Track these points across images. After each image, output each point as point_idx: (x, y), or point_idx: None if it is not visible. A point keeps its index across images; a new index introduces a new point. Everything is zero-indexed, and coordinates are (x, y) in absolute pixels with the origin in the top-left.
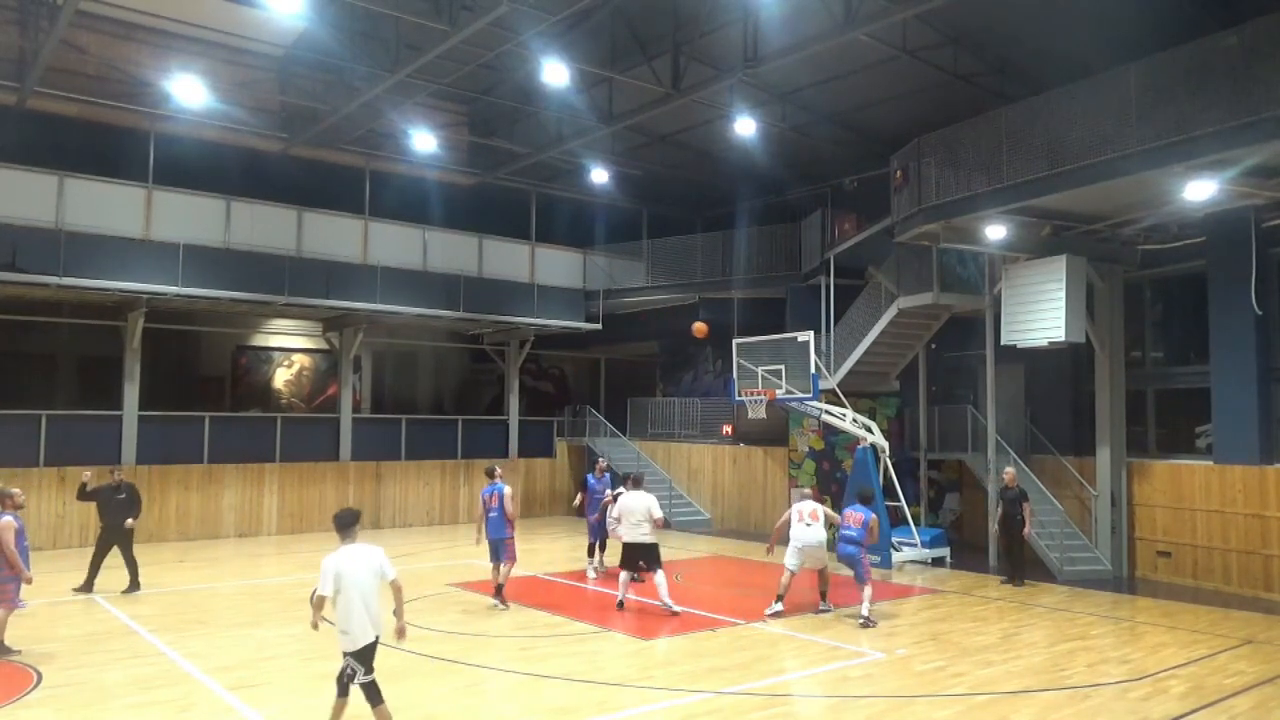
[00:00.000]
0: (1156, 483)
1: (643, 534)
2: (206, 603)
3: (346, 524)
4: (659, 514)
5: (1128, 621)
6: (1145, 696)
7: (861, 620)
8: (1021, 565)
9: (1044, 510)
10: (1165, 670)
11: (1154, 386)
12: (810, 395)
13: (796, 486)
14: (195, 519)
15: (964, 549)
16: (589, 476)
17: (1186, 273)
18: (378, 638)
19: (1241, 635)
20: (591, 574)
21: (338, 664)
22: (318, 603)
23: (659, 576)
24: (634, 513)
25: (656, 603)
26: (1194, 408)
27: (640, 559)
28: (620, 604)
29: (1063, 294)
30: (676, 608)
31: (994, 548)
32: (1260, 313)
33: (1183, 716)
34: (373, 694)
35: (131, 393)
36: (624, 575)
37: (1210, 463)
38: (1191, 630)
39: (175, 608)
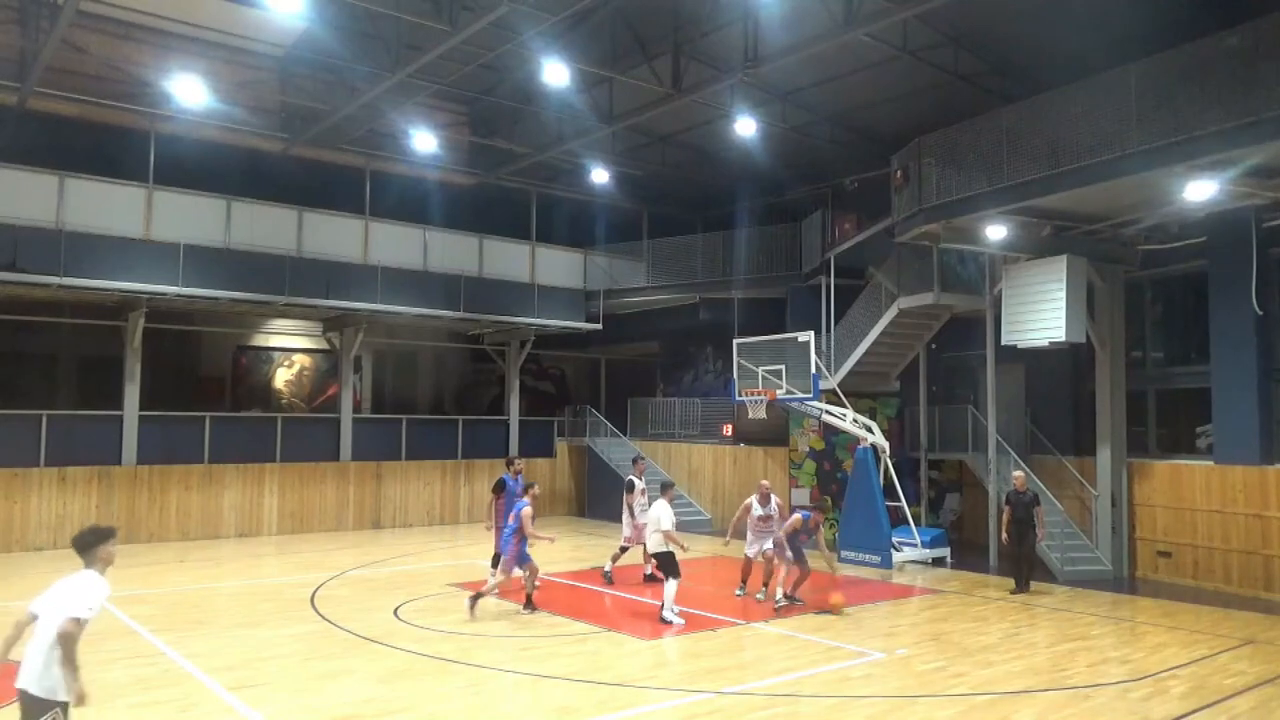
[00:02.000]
0: (1157, 483)
1: (654, 543)
2: (207, 603)
3: (81, 546)
4: (666, 524)
5: (1128, 621)
6: (1146, 696)
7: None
8: (1031, 572)
9: (1045, 510)
10: (1166, 670)
11: (1154, 386)
12: (810, 395)
13: (798, 486)
14: (196, 519)
15: (964, 549)
16: (505, 477)
17: (1187, 273)
18: (42, 698)
19: (1242, 635)
20: (491, 581)
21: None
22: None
23: (668, 586)
24: (651, 521)
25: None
26: (1194, 408)
27: (658, 566)
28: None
29: (1063, 294)
30: (673, 619)
31: (994, 548)
32: (1261, 313)
33: (1183, 716)
34: None
35: (132, 393)
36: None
37: (1210, 463)
38: (1192, 630)
39: (176, 608)
